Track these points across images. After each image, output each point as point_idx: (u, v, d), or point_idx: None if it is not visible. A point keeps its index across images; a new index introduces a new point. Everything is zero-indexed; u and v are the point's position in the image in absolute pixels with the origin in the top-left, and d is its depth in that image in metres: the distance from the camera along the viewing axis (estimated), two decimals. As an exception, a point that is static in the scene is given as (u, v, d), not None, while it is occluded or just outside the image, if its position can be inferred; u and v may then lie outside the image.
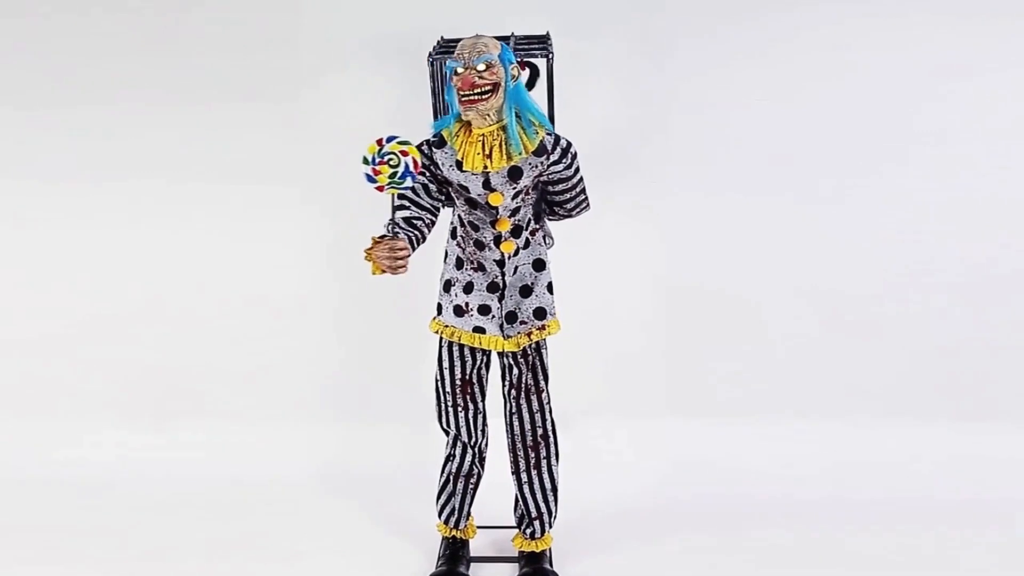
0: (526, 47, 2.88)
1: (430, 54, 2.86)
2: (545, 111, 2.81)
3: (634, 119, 3.57)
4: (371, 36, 3.55)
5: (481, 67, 2.54)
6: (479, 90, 2.54)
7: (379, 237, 2.52)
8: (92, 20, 3.52)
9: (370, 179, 2.51)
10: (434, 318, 2.85)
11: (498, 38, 2.66)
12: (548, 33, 2.89)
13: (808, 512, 3.33)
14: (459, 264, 2.79)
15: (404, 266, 2.50)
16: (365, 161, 2.50)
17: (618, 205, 3.48)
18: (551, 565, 2.97)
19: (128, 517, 3.31)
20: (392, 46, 3.54)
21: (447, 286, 2.81)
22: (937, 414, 3.73)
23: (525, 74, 2.77)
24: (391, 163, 2.50)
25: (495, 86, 2.55)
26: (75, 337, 3.74)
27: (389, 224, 2.57)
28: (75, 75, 3.57)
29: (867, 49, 3.53)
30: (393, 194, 2.55)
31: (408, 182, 2.51)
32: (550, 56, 2.81)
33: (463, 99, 2.56)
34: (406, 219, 2.62)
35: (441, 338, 2.83)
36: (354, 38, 3.57)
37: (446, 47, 2.89)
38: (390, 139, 2.51)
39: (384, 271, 2.51)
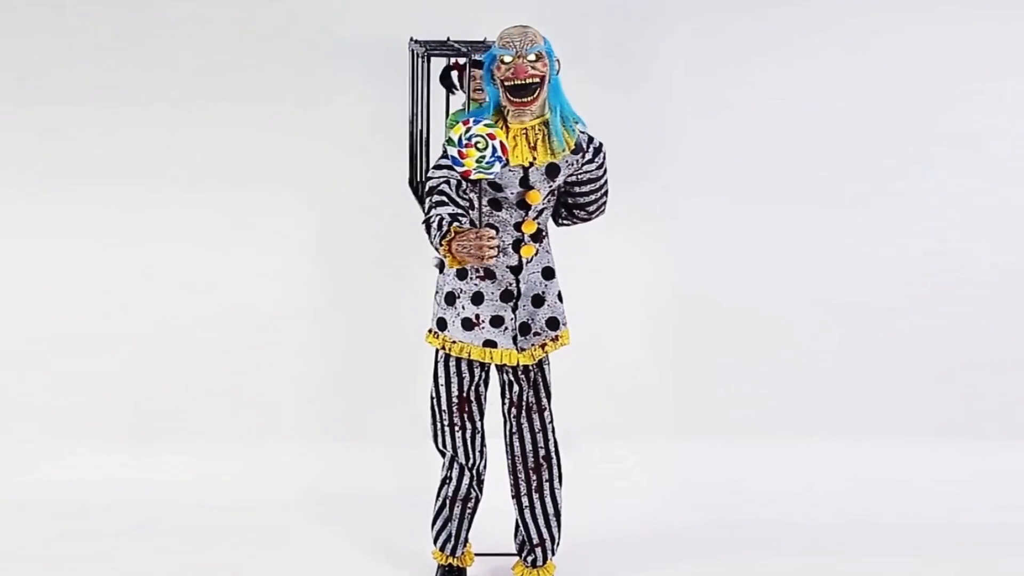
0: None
1: (412, 49, 2.79)
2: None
3: (640, 120, 3.56)
4: (361, 38, 3.56)
5: (532, 57, 2.52)
6: (530, 82, 2.50)
7: (459, 229, 2.46)
8: (66, 14, 3.50)
9: (456, 162, 2.45)
10: (431, 332, 2.79)
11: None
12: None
13: (826, 537, 3.29)
14: (462, 274, 2.72)
15: (496, 253, 2.44)
16: (451, 142, 2.45)
17: (624, 211, 3.48)
18: (554, 595, 2.95)
19: (104, 543, 3.23)
20: (382, 49, 3.53)
21: (450, 299, 2.74)
22: (962, 433, 3.69)
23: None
24: (478, 146, 2.44)
25: (543, 79, 2.53)
26: (48, 352, 3.70)
27: (435, 219, 2.49)
28: (48, 73, 3.54)
29: (892, 46, 3.54)
30: (481, 179, 2.48)
31: (496, 167, 2.45)
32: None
33: (515, 97, 2.53)
34: (452, 215, 2.56)
35: (437, 353, 2.80)
36: (344, 39, 3.57)
37: (427, 45, 2.88)
38: (477, 121, 2.44)
39: (461, 264, 2.49)
